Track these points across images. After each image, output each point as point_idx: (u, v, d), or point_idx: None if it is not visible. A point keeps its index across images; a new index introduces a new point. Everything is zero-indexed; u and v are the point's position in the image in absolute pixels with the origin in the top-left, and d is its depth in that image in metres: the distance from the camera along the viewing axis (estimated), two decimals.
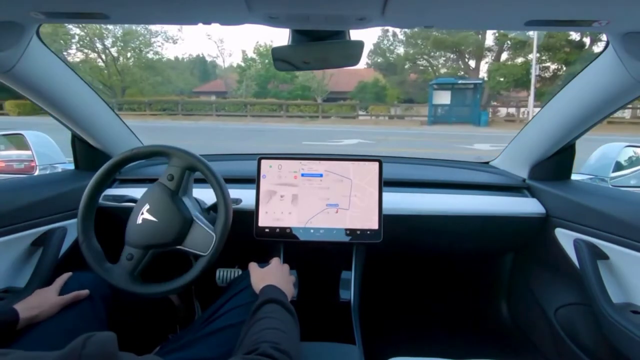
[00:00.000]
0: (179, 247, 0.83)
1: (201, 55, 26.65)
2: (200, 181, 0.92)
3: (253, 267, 0.84)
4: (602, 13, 0.59)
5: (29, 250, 0.91)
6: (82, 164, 1.18)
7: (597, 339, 0.90)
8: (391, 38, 19.39)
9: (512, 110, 16.97)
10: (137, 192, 0.94)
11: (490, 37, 17.72)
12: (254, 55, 20.96)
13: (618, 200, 0.93)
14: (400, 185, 1.16)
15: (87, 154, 1.15)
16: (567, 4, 0.56)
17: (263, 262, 0.88)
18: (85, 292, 0.79)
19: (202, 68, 25.77)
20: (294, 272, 0.91)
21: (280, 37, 0.77)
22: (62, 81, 0.95)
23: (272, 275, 0.78)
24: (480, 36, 17.25)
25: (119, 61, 19.27)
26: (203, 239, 0.83)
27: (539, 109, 1.12)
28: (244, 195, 1.01)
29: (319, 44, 0.75)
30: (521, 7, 0.58)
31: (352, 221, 1.00)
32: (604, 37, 0.79)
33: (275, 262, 0.85)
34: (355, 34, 0.75)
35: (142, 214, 0.83)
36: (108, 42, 18.58)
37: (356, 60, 0.80)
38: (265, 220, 1.00)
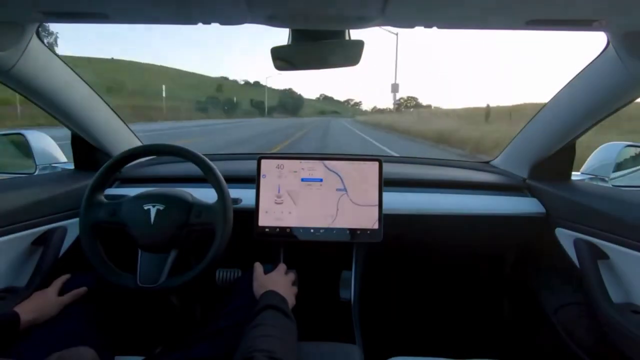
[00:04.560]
0: (194, 222, 0.84)
1: None
2: (201, 180, 0.92)
3: (258, 269, 0.84)
4: (602, 13, 0.59)
5: (29, 250, 0.91)
6: (82, 163, 1.18)
7: (597, 339, 0.90)
8: None
9: None
10: (137, 192, 0.94)
11: None
12: None
13: (618, 200, 0.93)
14: (400, 185, 1.16)
15: (87, 153, 1.15)
16: (567, 4, 0.56)
17: (263, 262, 0.88)
18: (83, 289, 0.79)
19: None
20: (294, 271, 0.91)
21: (279, 36, 0.77)
22: (62, 81, 0.95)
23: (274, 282, 0.79)
24: None
25: None
26: (208, 205, 0.86)
27: None
28: (244, 195, 1.01)
29: (319, 43, 0.75)
30: (521, 7, 0.58)
31: (352, 221, 1.00)
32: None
33: (281, 268, 0.85)
34: (355, 34, 0.75)
35: (150, 210, 0.84)
36: None
37: (356, 61, 0.79)
38: (265, 220, 1.00)
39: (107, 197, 0.92)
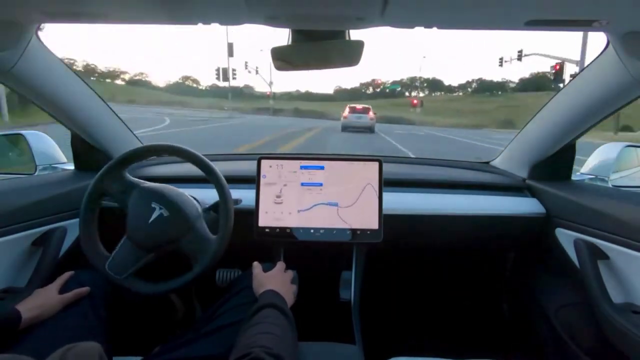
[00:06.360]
0: (182, 245, 0.84)
1: None
2: (202, 181, 0.92)
3: (256, 268, 0.84)
4: (602, 13, 0.59)
5: (29, 250, 0.91)
6: (82, 164, 1.18)
7: (597, 339, 0.90)
8: None
9: None
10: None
11: None
12: None
13: (618, 200, 0.93)
14: (400, 185, 1.16)
15: (87, 154, 1.15)
16: (567, 4, 0.56)
17: (263, 262, 0.88)
18: (86, 289, 0.80)
19: None
20: (294, 271, 0.91)
21: (279, 36, 0.76)
22: (62, 81, 0.95)
23: (273, 281, 0.79)
24: None
25: None
26: (205, 236, 0.85)
27: None
28: (244, 195, 1.01)
29: (319, 44, 0.75)
30: (521, 7, 0.58)
31: (352, 221, 1.00)
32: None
33: (280, 267, 0.85)
34: (355, 34, 0.75)
35: (155, 210, 0.84)
36: None
37: (356, 61, 0.79)
38: (265, 220, 1.00)
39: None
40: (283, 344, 0.59)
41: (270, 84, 37.39)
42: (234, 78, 26.82)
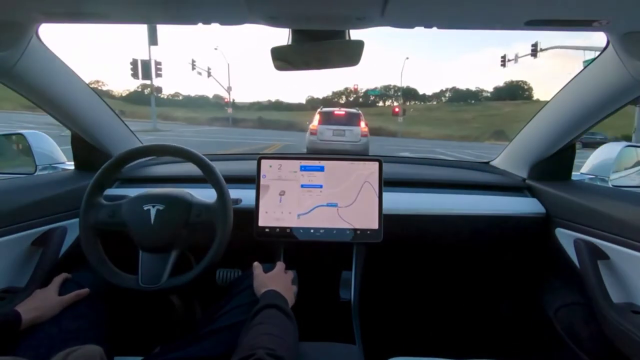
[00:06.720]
0: (195, 221, 0.85)
1: None
2: (201, 181, 0.92)
3: (257, 268, 0.84)
4: (602, 13, 0.59)
5: (29, 250, 0.91)
6: (82, 164, 1.18)
7: (597, 339, 0.90)
8: None
9: None
10: (137, 192, 0.94)
11: None
12: None
13: (618, 200, 0.93)
14: (400, 185, 1.16)
15: (87, 154, 1.15)
16: (567, 4, 0.56)
17: (263, 262, 0.88)
18: (85, 290, 0.80)
19: None
20: (294, 271, 0.91)
21: (279, 36, 0.76)
22: (62, 81, 0.95)
23: (274, 281, 0.79)
24: None
25: None
26: (209, 205, 0.86)
27: None
28: (244, 195, 1.01)
29: (319, 44, 0.75)
30: (521, 7, 0.58)
31: (352, 221, 1.00)
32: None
33: (280, 267, 0.85)
34: (355, 34, 0.75)
35: (150, 210, 0.84)
36: None
37: (356, 61, 0.79)
38: (265, 220, 1.00)
39: (107, 197, 0.92)
40: (285, 345, 0.59)
41: (229, 89, 31.88)
42: (158, 74, 18.00)
